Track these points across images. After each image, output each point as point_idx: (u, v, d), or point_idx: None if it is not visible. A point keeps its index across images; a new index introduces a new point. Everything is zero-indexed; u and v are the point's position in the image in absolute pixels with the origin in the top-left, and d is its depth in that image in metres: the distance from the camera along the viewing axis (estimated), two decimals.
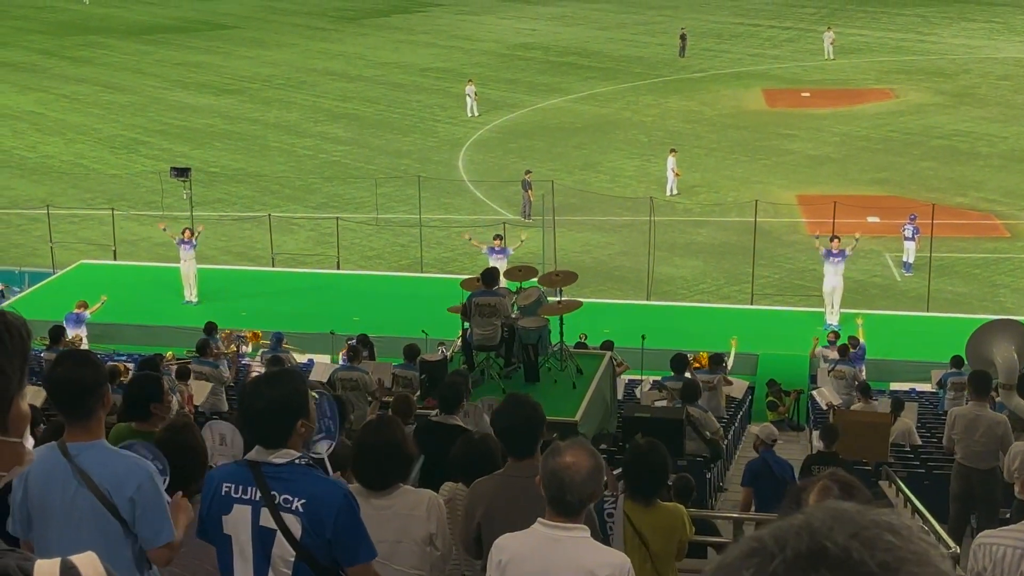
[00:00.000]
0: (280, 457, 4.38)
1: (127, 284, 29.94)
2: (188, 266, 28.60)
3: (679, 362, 16.99)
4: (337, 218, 33.43)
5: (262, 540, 4.39)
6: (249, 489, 4.36)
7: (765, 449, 12.15)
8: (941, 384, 21.64)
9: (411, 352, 16.72)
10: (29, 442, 2.04)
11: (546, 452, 4.77)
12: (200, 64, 60.97)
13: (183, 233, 28.38)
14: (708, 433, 14.55)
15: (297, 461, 4.40)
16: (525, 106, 50.76)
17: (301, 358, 22.16)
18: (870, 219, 34.99)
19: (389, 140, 46.03)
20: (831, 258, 27.58)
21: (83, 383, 4.72)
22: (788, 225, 35.89)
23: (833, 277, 27.73)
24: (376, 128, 47.97)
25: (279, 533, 4.31)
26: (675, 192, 38.52)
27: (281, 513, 4.32)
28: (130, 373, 16.97)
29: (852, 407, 17.48)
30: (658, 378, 18.21)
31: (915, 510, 10.82)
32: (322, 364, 21.02)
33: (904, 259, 32.56)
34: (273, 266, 31.85)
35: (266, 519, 4.31)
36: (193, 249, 28.34)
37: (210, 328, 19.80)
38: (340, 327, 24.56)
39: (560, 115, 49.54)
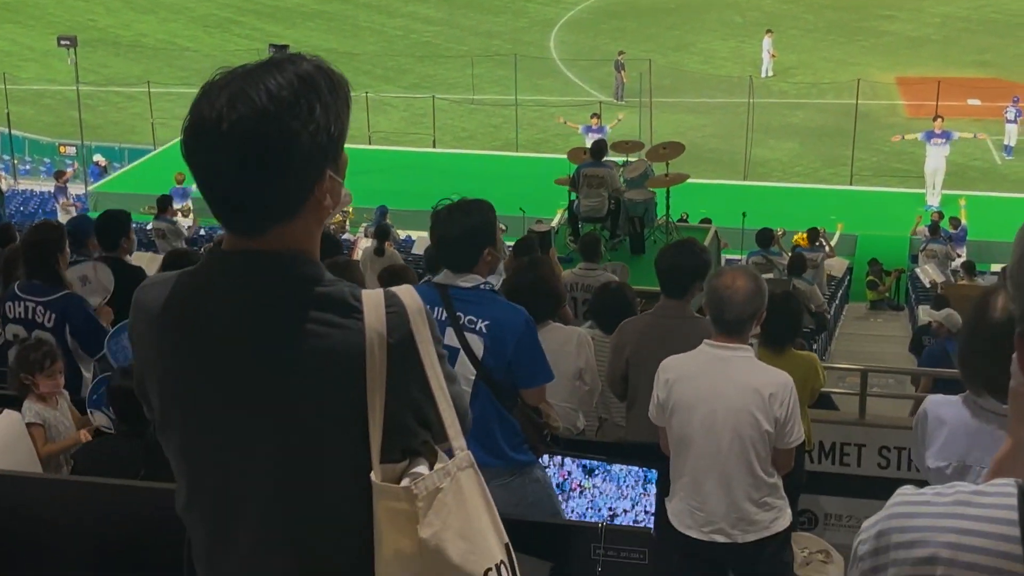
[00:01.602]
0: (467, 281, 4.53)
1: None
2: None
3: (765, 237, 17.14)
4: (433, 96, 33.46)
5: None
6: (436, 309, 4.51)
7: (948, 337, 11.64)
8: None
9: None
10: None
11: (710, 275, 4.92)
12: None
13: None
14: (813, 306, 14.64)
15: (483, 286, 4.56)
16: None
17: (401, 233, 22.42)
18: (971, 102, 34.37)
19: (480, 20, 45.72)
20: (933, 139, 27.18)
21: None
22: (887, 107, 35.31)
23: (936, 159, 27.35)
24: (466, 8, 47.61)
25: (462, 352, 4.47)
26: (771, 74, 38.01)
27: (465, 333, 4.48)
28: None
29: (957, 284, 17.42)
30: (756, 253, 18.18)
31: None
32: (424, 239, 21.28)
33: (1005, 142, 32.00)
34: (370, 144, 32.07)
35: (450, 338, 4.47)
36: None
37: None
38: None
39: None
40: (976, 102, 34.49)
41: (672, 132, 32.00)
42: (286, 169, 2.07)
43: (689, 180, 17.02)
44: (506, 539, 2.19)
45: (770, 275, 15.95)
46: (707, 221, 20.16)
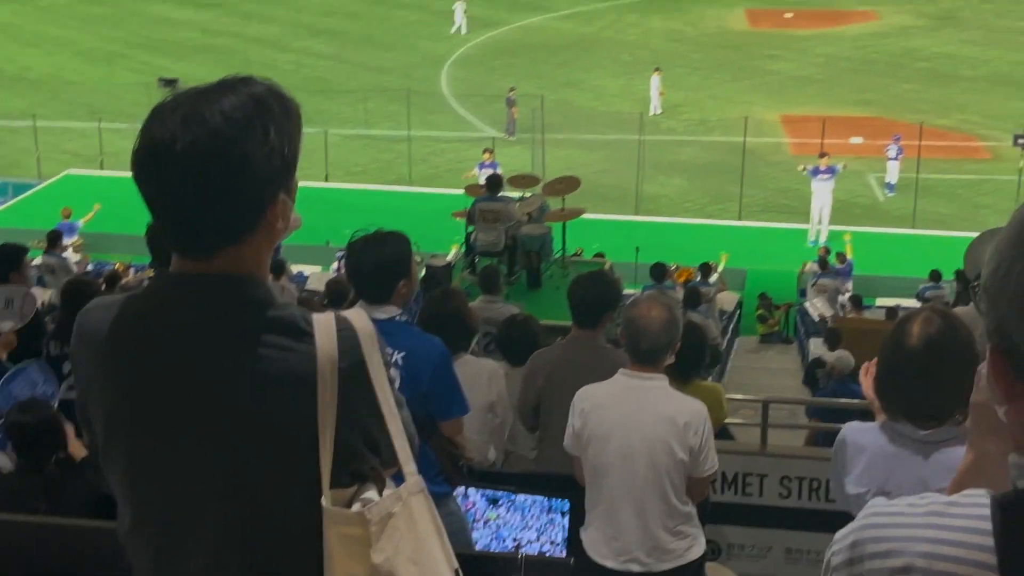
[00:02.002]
0: (382, 312, 4.52)
1: (114, 195, 29.88)
2: None
3: (659, 272, 17.38)
4: (325, 131, 33.33)
5: None
6: None
7: (841, 379, 11.80)
8: (919, 297, 22.04)
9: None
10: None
11: (627, 303, 4.98)
12: None
13: None
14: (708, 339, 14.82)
15: (397, 318, 4.55)
16: (507, 23, 50.48)
17: (294, 268, 22.25)
18: (853, 140, 35.17)
19: (371, 56, 45.71)
20: (819, 175, 27.86)
21: None
22: (772, 145, 35.99)
23: (822, 195, 28.05)
24: (358, 43, 47.63)
25: None
26: (659, 111, 38.53)
27: None
28: (131, 273, 17.10)
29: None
30: (651, 287, 18.39)
31: None
32: (317, 274, 21.17)
33: (887, 179, 32.80)
34: None
35: None
36: None
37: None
38: (332, 239, 24.65)
39: (543, 33, 49.31)
40: (859, 140, 35.32)
41: (563, 168, 32.30)
42: (240, 190, 2.06)
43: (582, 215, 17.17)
44: (455, 564, 2.18)
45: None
46: (600, 256, 20.39)
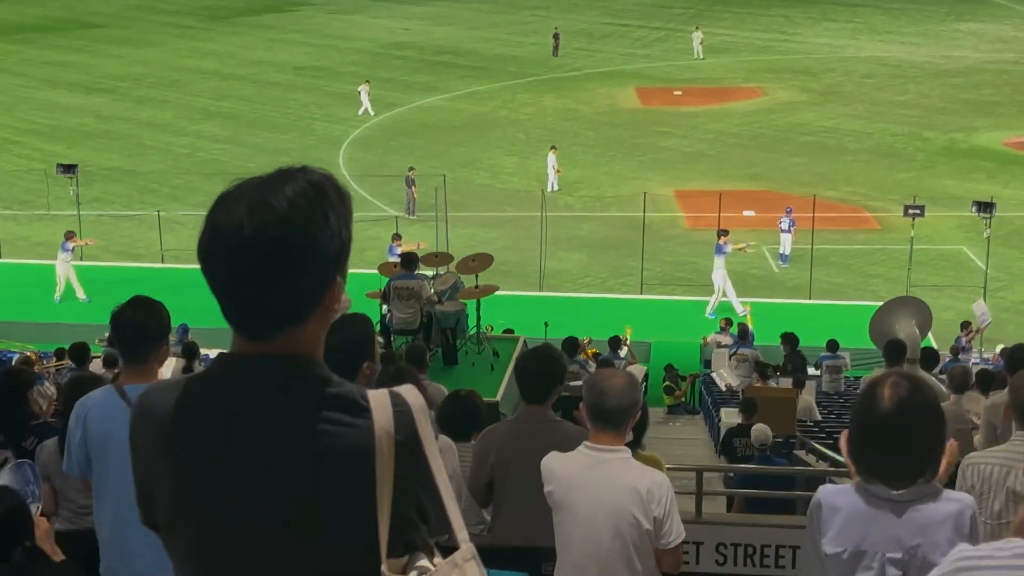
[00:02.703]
0: None
1: (10, 281, 29.48)
2: (64, 267, 28.55)
3: (570, 346, 17.55)
4: None
5: None
6: None
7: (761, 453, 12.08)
8: (817, 366, 22.54)
9: None
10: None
11: (589, 377, 5.11)
12: (68, 63, 59.75)
13: (67, 236, 28.38)
14: None
15: None
16: (403, 104, 50.90)
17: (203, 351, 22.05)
18: (746, 213, 35.96)
19: (267, 138, 45.72)
20: (724, 251, 28.72)
21: (149, 329, 4.93)
22: (668, 219, 36.64)
23: (723, 269, 28.77)
24: (253, 126, 47.65)
25: None
26: (556, 188, 39.00)
27: None
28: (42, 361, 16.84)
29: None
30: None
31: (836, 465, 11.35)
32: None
33: (780, 251, 33.56)
34: (163, 262, 31.57)
35: None
36: (70, 253, 28.44)
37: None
38: None
39: (438, 113, 49.81)
40: (751, 213, 36.09)
41: (465, 245, 32.56)
42: (304, 274, 2.16)
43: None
44: None
45: (579, 382, 16.29)
46: (510, 331, 20.52)
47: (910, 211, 31.11)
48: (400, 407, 2.22)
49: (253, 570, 2.20)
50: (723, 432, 15.04)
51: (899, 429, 3.60)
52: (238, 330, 2.22)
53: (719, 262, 28.85)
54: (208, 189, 39.02)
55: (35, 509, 5.82)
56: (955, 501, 3.68)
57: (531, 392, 5.99)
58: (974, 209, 30.50)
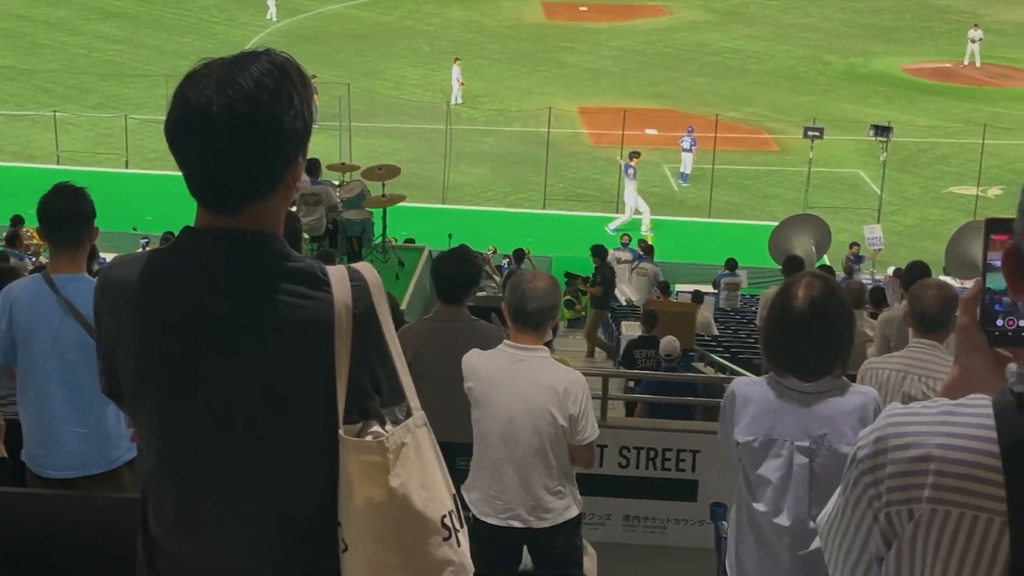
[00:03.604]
0: None
1: None
2: None
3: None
4: (126, 116, 32.63)
5: None
6: None
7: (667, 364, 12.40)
8: (715, 284, 22.99)
9: None
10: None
11: (512, 279, 5.24)
12: None
13: None
14: None
15: None
16: (306, 10, 50.16)
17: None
18: (648, 131, 36.24)
19: (165, 40, 44.82)
20: (629, 170, 29.01)
21: (80, 213, 4.91)
22: (571, 135, 36.81)
23: (632, 190, 29.17)
24: (151, 27, 46.67)
25: None
26: (460, 101, 38.90)
27: None
28: None
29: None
30: None
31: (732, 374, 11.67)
32: None
33: (681, 170, 33.93)
34: (58, 164, 30.99)
35: None
36: None
37: (17, 221, 19.45)
38: (137, 226, 24.34)
39: (342, 21, 49.18)
40: (653, 132, 36.39)
41: (369, 156, 32.38)
42: (268, 151, 2.23)
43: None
44: (453, 490, 2.41)
45: (484, 293, 16.48)
46: (411, 241, 20.60)
47: (809, 133, 31.63)
48: (358, 282, 2.32)
49: (216, 435, 2.30)
50: (624, 344, 15.34)
51: (811, 326, 3.79)
52: (203, 204, 2.29)
53: (631, 184, 29.15)
54: (105, 90, 38.39)
55: None
56: (861, 394, 3.88)
57: (447, 292, 6.10)
58: (871, 133, 31.10)
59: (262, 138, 2.22)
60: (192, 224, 2.33)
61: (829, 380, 3.85)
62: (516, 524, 4.99)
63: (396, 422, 2.34)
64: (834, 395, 3.84)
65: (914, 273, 9.45)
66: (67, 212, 4.92)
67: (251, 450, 2.30)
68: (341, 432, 2.27)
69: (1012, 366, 1.73)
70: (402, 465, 2.29)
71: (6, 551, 3.85)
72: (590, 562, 6.27)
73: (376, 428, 2.32)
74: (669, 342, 12.36)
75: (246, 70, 2.22)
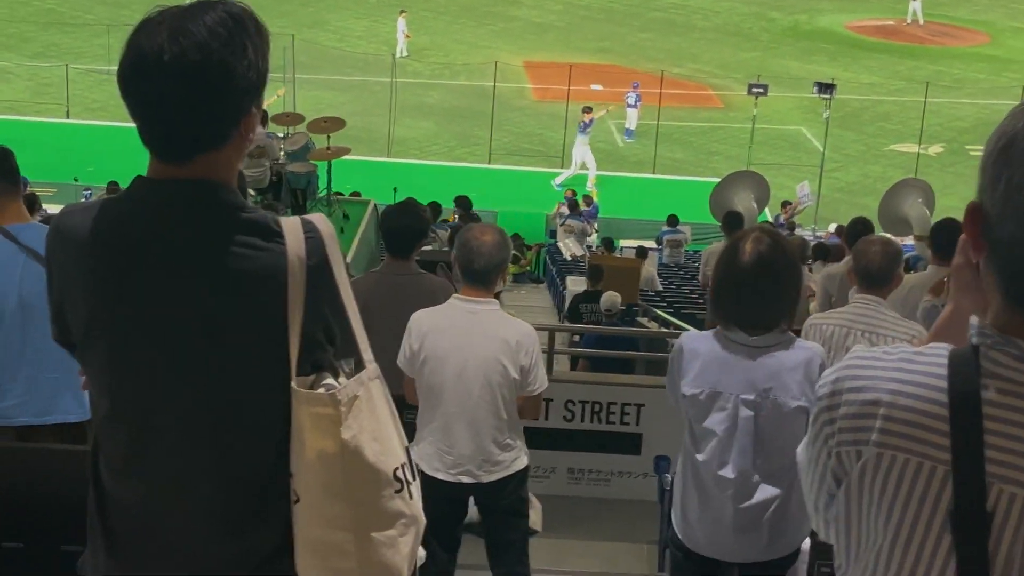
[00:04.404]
0: None
1: None
2: None
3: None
4: (67, 66, 32.15)
5: None
6: None
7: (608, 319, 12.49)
8: (658, 241, 23.13)
9: None
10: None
11: (459, 231, 5.22)
12: None
13: None
14: None
15: None
16: None
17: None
18: (594, 87, 36.22)
19: None
20: (587, 128, 29.12)
21: (9, 154, 4.87)
22: (516, 90, 36.73)
23: (586, 145, 29.19)
24: None
25: None
26: (405, 54, 38.67)
27: None
28: None
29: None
30: None
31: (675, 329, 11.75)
32: None
33: (626, 126, 33.99)
34: None
35: None
36: None
37: None
38: (79, 176, 24.08)
39: None
40: (599, 87, 36.37)
41: (312, 108, 32.07)
42: (221, 100, 2.22)
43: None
44: (407, 443, 2.42)
45: (430, 247, 16.46)
46: (357, 194, 20.51)
47: (753, 90, 31.74)
48: (311, 233, 2.31)
49: (167, 383, 2.29)
50: (569, 299, 15.38)
51: (758, 280, 3.83)
52: (155, 153, 2.28)
53: (582, 139, 29.19)
54: (45, 39, 37.74)
55: None
56: (806, 349, 3.93)
57: (396, 245, 6.10)
58: (815, 90, 31.25)
59: (214, 87, 2.20)
60: (143, 174, 2.31)
61: (775, 335, 3.89)
62: (465, 480, 5.01)
63: (349, 375, 2.34)
64: (780, 349, 3.88)
65: (858, 229, 9.55)
66: (11, 164, 4.87)
67: (201, 399, 2.30)
68: (293, 384, 2.27)
69: (973, 318, 1.76)
70: (354, 417, 2.29)
71: None
72: (535, 515, 6.32)
73: (329, 380, 2.33)
74: (609, 298, 12.43)
75: (200, 18, 2.21)
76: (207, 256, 2.26)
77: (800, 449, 1.96)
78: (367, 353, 2.39)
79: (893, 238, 9.57)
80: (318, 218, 2.36)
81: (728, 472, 3.91)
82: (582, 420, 8.39)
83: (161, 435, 2.32)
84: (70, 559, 3.48)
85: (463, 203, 20.95)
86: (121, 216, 2.30)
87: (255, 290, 2.26)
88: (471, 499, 5.20)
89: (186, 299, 2.26)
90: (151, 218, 2.28)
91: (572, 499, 8.25)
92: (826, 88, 30.46)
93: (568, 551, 7.22)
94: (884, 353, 1.81)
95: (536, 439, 7.81)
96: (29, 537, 3.97)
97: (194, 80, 2.19)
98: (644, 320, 14.12)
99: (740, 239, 3.91)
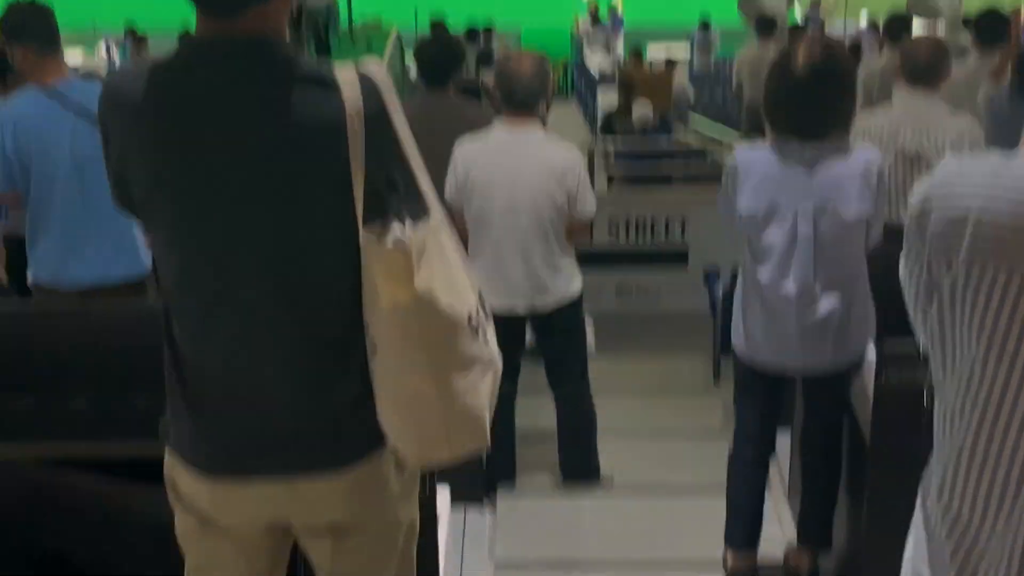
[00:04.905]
0: None
1: None
2: None
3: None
4: None
5: None
6: None
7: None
8: (691, 42, 22.73)
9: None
10: None
11: (497, 63, 5.15)
12: None
13: None
14: None
15: None
16: None
17: None
18: None
19: None
20: None
21: (50, 12, 4.80)
22: None
23: None
24: None
25: None
26: None
27: None
28: None
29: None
30: None
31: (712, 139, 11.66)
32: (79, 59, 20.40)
33: None
34: None
35: None
36: None
37: None
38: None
39: None
40: None
41: None
42: None
43: None
44: (477, 286, 2.40)
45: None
46: (377, 23, 20.20)
47: None
48: (368, 84, 2.27)
49: (236, 245, 2.28)
50: (600, 114, 15.24)
51: (814, 89, 3.74)
52: (204, 8, 2.22)
53: None
54: None
55: None
56: (864, 156, 3.85)
57: (433, 74, 6.04)
58: None
59: None
60: (188, 32, 2.26)
61: (832, 143, 3.82)
62: (520, 309, 5.02)
63: (416, 221, 2.31)
64: (837, 158, 3.81)
65: (896, 25, 9.33)
66: (46, 21, 4.79)
67: (272, 257, 2.28)
68: (362, 235, 2.25)
69: None
70: (425, 265, 2.27)
71: (21, 370, 3.86)
72: (589, 332, 6.37)
73: (397, 229, 2.30)
74: (641, 113, 12.30)
75: None
76: (266, 113, 2.22)
77: (901, 264, 1.96)
78: (432, 199, 2.36)
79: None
80: (374, 68, 2.32)
81: (790, 286, 3.88)
82: (628, 238, 8.38)
83: (234, 295, 2.31)
84: (140, 413, 3.52)
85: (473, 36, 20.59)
86: (176, 78, 2.26)
87: (316, 144, 2.23)
88: (527, 324, 5.22)
89: (249, 157, 2.23)
90: (207, 78, 2.23)
91: (622, 316, 8.29)
92: None
93: (622, 367, 7.29)
94: (974, 166, 1.78)
95: (582, 260, 7.85)
96: (96, 392, 4.02)
97: None
98: (681, 130, 14.00)
99: (791, 48, 3.81)
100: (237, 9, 2.20)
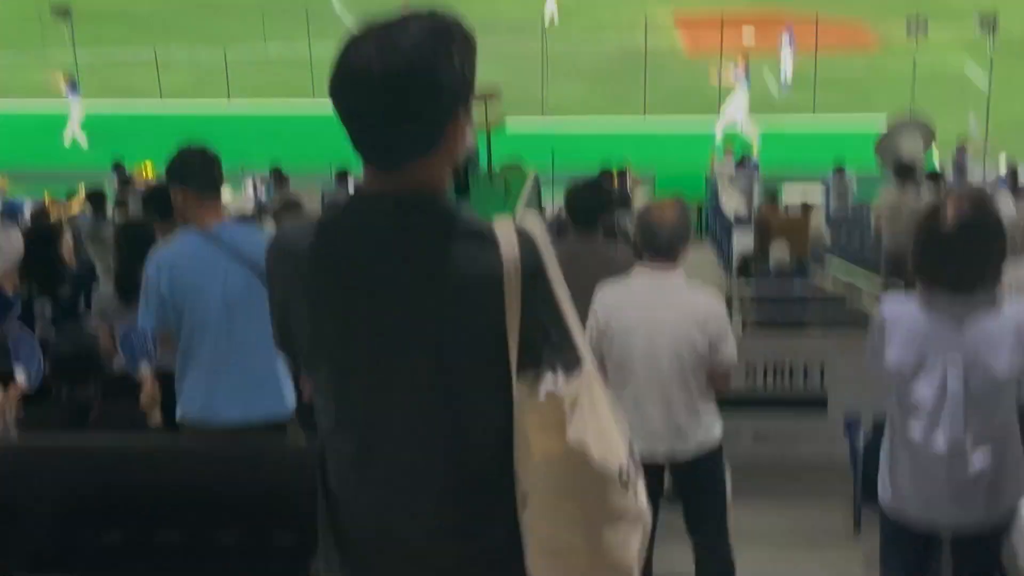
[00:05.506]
0: None
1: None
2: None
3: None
4: (223, 49, 32.88)
5: None
6: None
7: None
8: (826, 186, 22.65)
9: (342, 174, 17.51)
10: None
11: (639, 212, 5.23)
12: None
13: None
14: None
15: None
16: None
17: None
18: (745, 38, 35.54)
19: None
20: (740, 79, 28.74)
21: (216, 159, 4.95)
22: (666, 45, 36.27)
23: (741, 96, 28.81)
24: None
25: None
26: (556, 22, 38.51)
27: None
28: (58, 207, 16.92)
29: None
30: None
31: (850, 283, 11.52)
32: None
33: (782, 70, 33.36)
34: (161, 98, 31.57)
35: None
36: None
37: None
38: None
39: None
40: (750, 39, 35.66)
41: None
42: (427, 109, 2.26)
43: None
44: (628, 436, 2.42)
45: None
46: (516, 165, 20.45)
47: (912, 29, 30.78)
48: (525, 239, 2.33)
49: (392, 395, 2.33)
50: (736, 256, 15.20)
51: (963, 244, 3.72)
52: (367, 162, 2.33)
53: (741, 90, 28.84)
54: (200, 28, 38.61)
55: (145, 368, 5.99)
56: (1015, 311, 3.80)
57: (583, 218, 6.16)
58: (977, 27, 30.07)
59: (420, 97, 2.25)
60: (355, 183, 2.35)
61: (982, 296, 3.77)
62: (660, 452, 4.99)
63: (569, 372, 2.34)
64: (987, 312, 3.76)
65: None
66: (207, 160, 4.96)
67: (427, 407, 2.34)
68: (515, 388, 2.29)
69: None
70: (578, 417, 2.30)
71: (171, 504, 3.95)
72: (727, 479, 6.27)
73: (550, 380, 2.33)
74: (778, 256, 12.26)
75: (405, 31, 2.24)
76: (425, 266, 2.29)
77: None
78: (585, 350, 2.39)
79: None
80: (531, 223, 2.38)
81: (940, 441, 3.81)
82: (764, 382, 8.28)
83: (389, 442, 2.37)
84: (284, 552, 3.56)
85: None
86: (340, 234, 2.35)
87: (474, 298, 2.29)
88: (665, 471, 5.18)
89: (408, 312, 2.30)
90: (369, 235, 2.32)
91: (758, 464, 8.15)
92: (989, 24, 29.29)
93: (760, 514, 7.14)
94: None
95: (719, 404, 7.75)
96: (242, 529, 4.07)
97: (402, 91, 2.22)
98: (819, 274, 13.89)
99: (941, 203, 3.80)
100: (400, 162, 2.29)
